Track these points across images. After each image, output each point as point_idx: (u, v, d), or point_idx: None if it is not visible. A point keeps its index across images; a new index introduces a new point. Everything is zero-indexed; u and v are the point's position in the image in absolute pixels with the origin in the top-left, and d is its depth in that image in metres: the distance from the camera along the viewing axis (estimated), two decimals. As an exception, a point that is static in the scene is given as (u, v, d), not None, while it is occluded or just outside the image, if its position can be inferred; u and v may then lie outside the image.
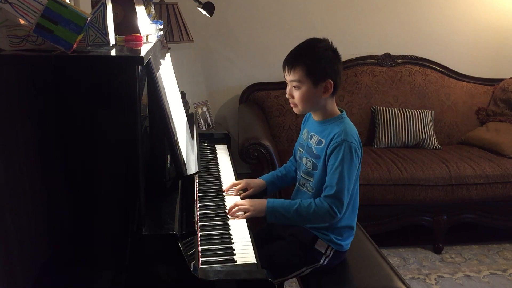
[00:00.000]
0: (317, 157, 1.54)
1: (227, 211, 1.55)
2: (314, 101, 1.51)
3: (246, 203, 1.56)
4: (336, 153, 1.46)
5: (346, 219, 1.56)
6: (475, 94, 3.35)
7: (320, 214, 1.48)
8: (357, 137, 1.50)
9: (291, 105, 1.57)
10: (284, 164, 1.82)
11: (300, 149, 1.65)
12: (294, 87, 1.51)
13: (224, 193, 1.71)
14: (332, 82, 1.48)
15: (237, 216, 1.53)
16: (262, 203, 1.55)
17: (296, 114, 1.73)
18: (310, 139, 1.58)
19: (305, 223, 1.58)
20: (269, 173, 1.84)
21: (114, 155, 1.09)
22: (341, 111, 1.57)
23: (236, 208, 1.54)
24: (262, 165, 2.45)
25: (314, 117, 1.60)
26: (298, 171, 1.67)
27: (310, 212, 1.48)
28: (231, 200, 1.64)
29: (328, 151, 1.49)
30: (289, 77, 1.52)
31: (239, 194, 1.71)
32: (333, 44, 1.53)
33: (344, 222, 1.56)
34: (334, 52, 1.52)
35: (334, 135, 1.48)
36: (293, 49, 1.53)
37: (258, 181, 1.76)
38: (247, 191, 1.72)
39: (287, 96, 1.56)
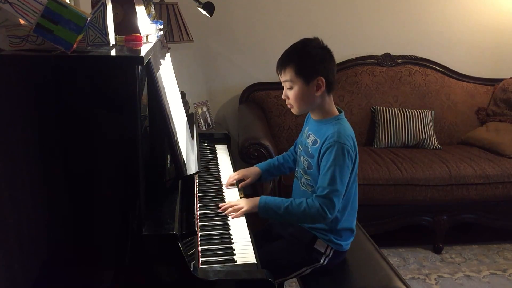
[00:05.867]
0: (312, 156, 1.54)
1: (220, 209, 1.55)
2: (308, 99, 1.51)
3: (239, 201, 1.56)
4: (328, 154, 1.46)
5: (345, 222, 1.56)
6: (475, 94, 3.35)
7: (310, 214, 1.47)
8: (351, 139, 1.49)
9: (288, 106, 1.58)
10: (284, 153, 1.83)
11: (300, 147, 1.66)
12: (288, 88, 1.52)
13: (224, 188, 1.75)
14: (323, 79, 1.48)
15: (232, 215, 1.53)
16: (255, 199, 1.55)
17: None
18: (308, 138, 1.59)
19: (296, 221, 1.59)
20: (266, 160, 1.85)
21: (114, 155, 1.09)
22: (340, 112, 1.57)
23: (231, 209, 1.54)
24: (262, 165, 2.46)
25: (313, 116, 1.61)
26: (297, 167, 1.67)
27: (300, 211, 1.47)
28: (232, 199, 1.65)
29: (321, 152, 1.49)
30: (282, 78, 1.53)
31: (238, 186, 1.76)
32: (324, 42, 1.53)
33: (344, 225, 1.56)
34: (325, 50, 1.52)
35: (328, 136, 1.48)
36: (284, 51, 1.54)
37: (254, 170, 1.80)
38: (244, 181, 1.76)
39: (283, 97, 1.57)
